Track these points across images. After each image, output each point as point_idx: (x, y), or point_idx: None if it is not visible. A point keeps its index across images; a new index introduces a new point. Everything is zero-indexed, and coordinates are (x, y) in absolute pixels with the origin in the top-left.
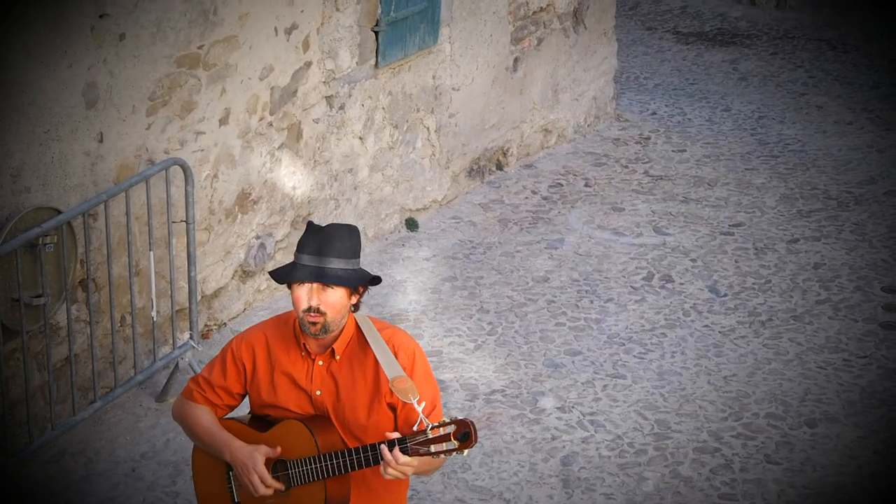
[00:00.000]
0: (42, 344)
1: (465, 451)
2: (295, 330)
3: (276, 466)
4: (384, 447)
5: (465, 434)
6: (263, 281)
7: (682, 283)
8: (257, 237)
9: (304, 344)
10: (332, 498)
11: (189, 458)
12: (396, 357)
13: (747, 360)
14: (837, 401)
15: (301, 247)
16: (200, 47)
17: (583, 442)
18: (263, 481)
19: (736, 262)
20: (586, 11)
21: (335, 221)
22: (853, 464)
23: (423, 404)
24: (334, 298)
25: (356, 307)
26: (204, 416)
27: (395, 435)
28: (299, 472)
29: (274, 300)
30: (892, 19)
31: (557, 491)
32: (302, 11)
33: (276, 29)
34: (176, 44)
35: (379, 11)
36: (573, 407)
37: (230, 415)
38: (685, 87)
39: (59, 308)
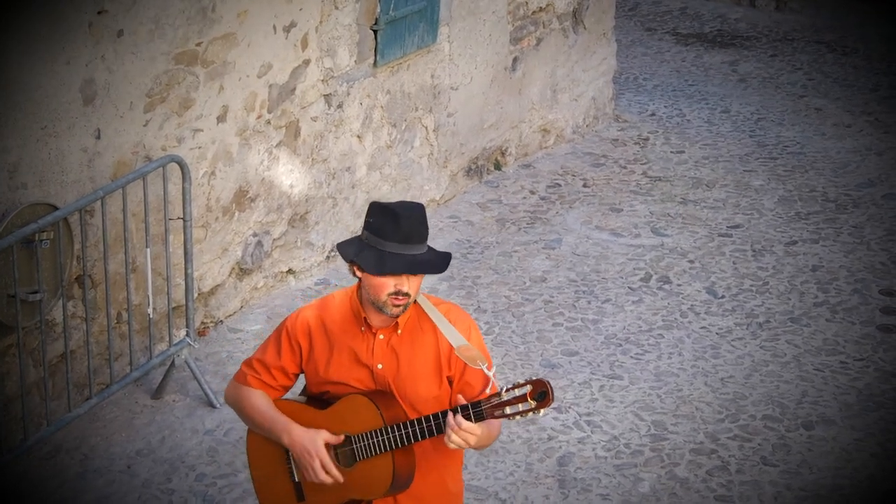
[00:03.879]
0: (38, 340)
1: (542, 412)
2: (353, 306)
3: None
4: (449, 413)
5: (542, 393)
6: (260, 278)
7: (679, 285)
8: (254, 235)
9: (364, 318)
10: (399, 470)
11: (184, 455)
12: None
13: (744, 362)
14: (834, 403)
15: (383, 233)
16: (199, 44)
17: (579, 442)
18: (325, 467)
19: (734, 263)
20: (586, 12)
21: (375, 203)
22: (850, 466)
23: (494, 369)
24: (419, 280)
25: None
26: (260, 400)
27: (464, 401)
28: (364, 445)
29: (271, 298)
30: (892, 22)
31: (553, 491)
32: (301, 9)
33: (274, 27)
34: (174, 41)
35: (378, 10)
36: (570, 407)
37: (285, 396)
38: (684, 89)
39: (55, 304)
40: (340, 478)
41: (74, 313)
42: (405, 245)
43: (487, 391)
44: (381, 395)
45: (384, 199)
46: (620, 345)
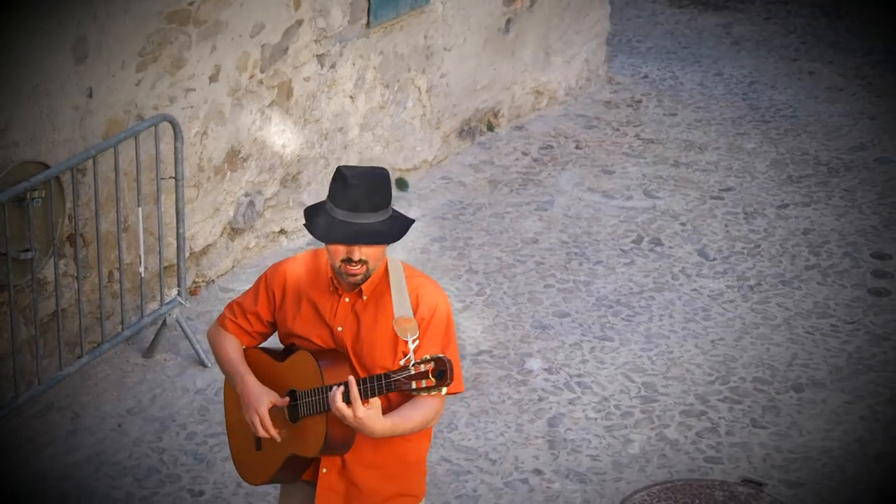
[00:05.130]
0: (29, 298)
1: (443, 390)
2: (326, 266)
3: (290, 395)
4: (334, 388)
5: (440, 372)
6: (252, 238)
7: (671, 247)
8: (246, 195)
9: (331, 279)
10: (333, 430)
11: (175, 414)
12: (418, 306)
13: (735, 325)
14: (824, 366)
15: (335, 199)
16: (191, 4)
17: (569, 403)
18: (263, 424)
19: (725, 226)
20: None
21: (339, 167)
22: (839, 429)
23: (417, 342)
24: (375, 249)
25: None
26: (230, 344)
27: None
28: (306, 402)
29: (262, 258)
30: None
31: (543, 452)
32: None
33: None
34: (166, 0)
35: None
36: (560, 368)
37: (264, 344)
38: (677, 51)
39: (47, 263)
40: (277, 437)
41: (66, 272)
42: (352, 213)
43: (402, 362)
44: (328, 355)
45: (375, 161)
46: (611, 306)
